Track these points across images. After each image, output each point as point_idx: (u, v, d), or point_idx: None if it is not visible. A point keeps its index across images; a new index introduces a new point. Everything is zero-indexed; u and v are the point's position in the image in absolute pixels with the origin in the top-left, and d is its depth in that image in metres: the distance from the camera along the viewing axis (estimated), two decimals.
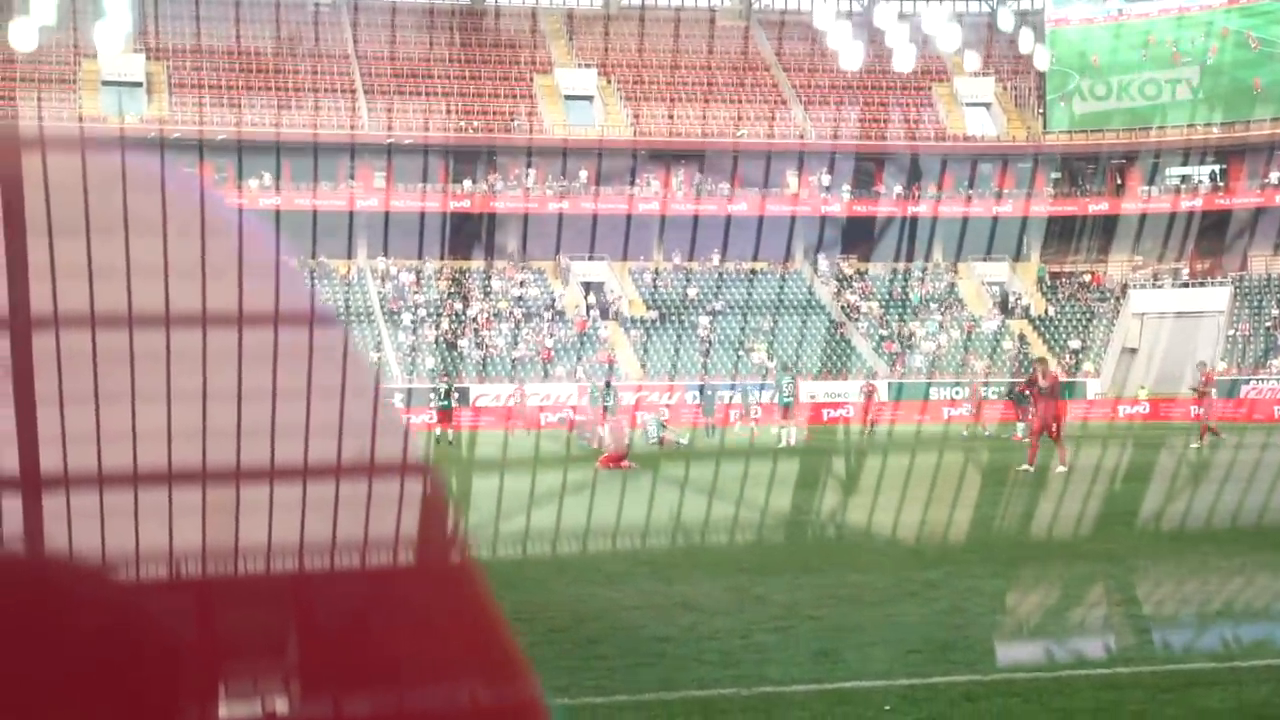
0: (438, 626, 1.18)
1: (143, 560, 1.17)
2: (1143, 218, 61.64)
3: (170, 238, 1.24)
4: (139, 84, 58.77)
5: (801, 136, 62.65)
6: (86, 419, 1.16)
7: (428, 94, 61.31)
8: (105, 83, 58.03)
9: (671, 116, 62.08)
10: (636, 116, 62.71)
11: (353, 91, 60.99)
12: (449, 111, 60.38)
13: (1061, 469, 22.63)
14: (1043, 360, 31.90)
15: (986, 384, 49.74)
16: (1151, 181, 63.45)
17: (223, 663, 1.13)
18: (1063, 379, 37.61)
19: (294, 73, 60.36)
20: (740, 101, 63.65)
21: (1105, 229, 63.46)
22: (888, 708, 7.20)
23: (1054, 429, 23.83)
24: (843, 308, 60.53)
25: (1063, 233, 63.74)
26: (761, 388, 48.46)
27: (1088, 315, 61.32)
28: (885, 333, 59.42)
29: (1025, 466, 23.10)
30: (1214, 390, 33.55)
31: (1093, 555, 13.10)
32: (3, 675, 1.05)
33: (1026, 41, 64.75)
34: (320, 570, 1.19)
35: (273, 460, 1.19)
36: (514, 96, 62.87)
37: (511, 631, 1.13)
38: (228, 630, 1.16)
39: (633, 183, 61.50)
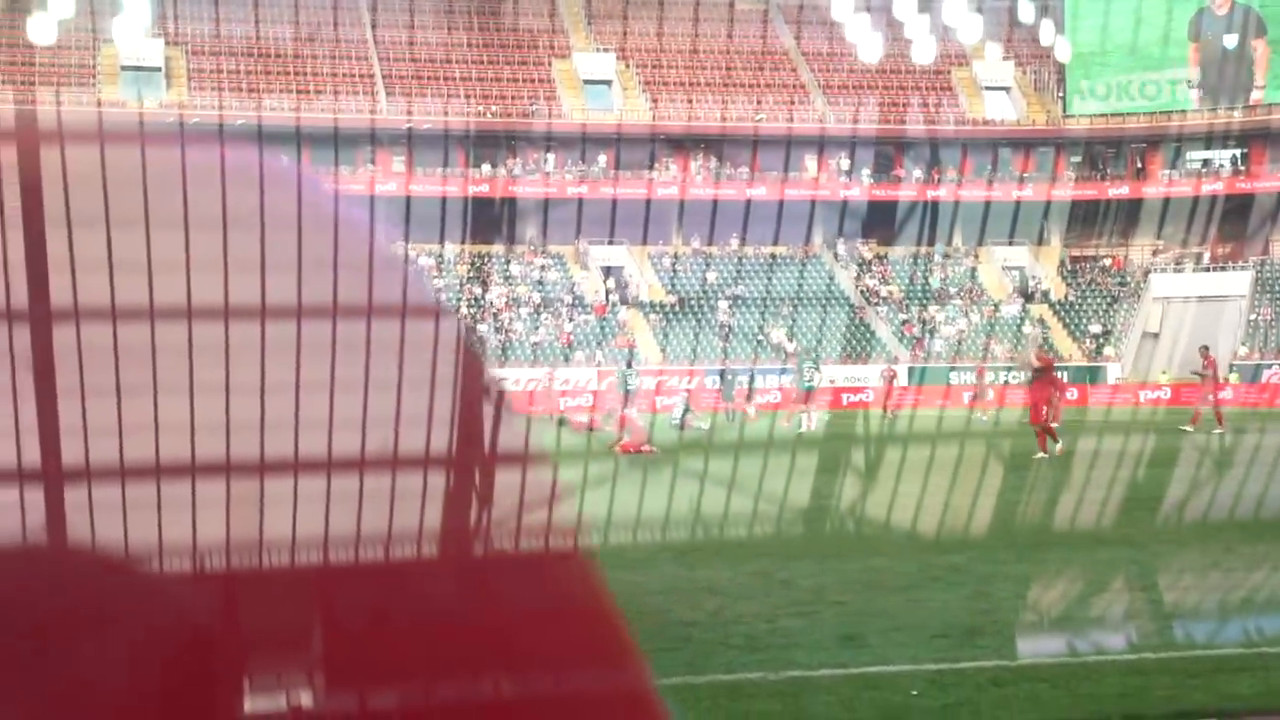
0: (552, 616, 1.19)
1: (250, 549, 1.19)
2: (1166, 202, 61.37)
3: (279, 229, 1.26)
4: (158, 69, 58.88)
5: (821, 121, 62.50)
6: (216, 409, 1.18)
7: (445, 79, 61.30)
8: (124, 68, 58.15)
9: (690, 101, 61.96)
10: (655, 101, 62.61)
11: (371, 77, 60.98)
12: (467, 96, 60.37)
13: (1058, 450, 22.73)
14: (1037, 344, 31.84)
15: (1008, 369, 49.59)
16: (1173, 166, 63.16)
17: (339, 650, 1.14)
18: (1057, 363, 37.42)
19: (312, 57, 60.40)
20: (759, 86, 63.51)
21: (1126, 213, 63.17)
22: (915, 692, 7.22)
23: (1045, 413, 23.91)
24: (862, 292, 60.44)
25: (1083, 217, 63.50)
26: (782, 372, 48.42)
27: (1108, 300, 61.13)
28: (905, 317, 59.32)
29: (1040, 454, 23.09)
30: (1230, 374, 33.29)
31: (1113, 541, 13.10)
32: (39, 664, 1.05)
33: (1047, 33, 64.37)
34: (437, 559, 1.21)
35: (356, 451, 1.20)
36: (533, 81, 62.82)
37: (625, 621, 1.15)
38: (343, 619, 1.17)
39: (652, 167, 61.43)
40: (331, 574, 1.20)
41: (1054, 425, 23.83)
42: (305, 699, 1.12)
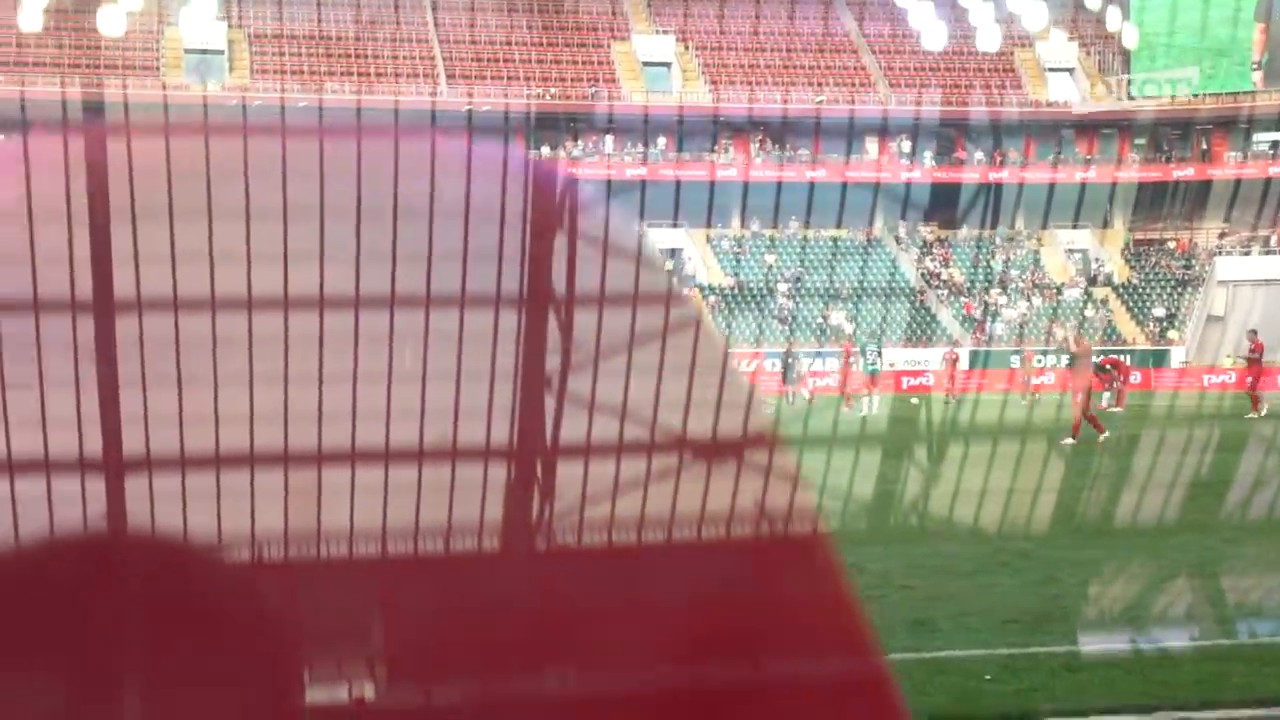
0: (790, 597, 1.22)
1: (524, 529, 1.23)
2: (1236, 184, 60.58)
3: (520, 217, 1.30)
4: (221, 52, 59.31)
5: (881, 103, 62.08)
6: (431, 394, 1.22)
7: (505, 60, 61.36)
8: (188, 51, 58.60)
9: (751, 83, 61.70)
10: (715, 84, 62.43)
11: (431, 59, 61.16)
12: (527, 79, 60.42)
13: (1070, 441, 22.59)
14: (1075, 329, 31.73)
15: (1076, 353, 49.11)
16: (1240, 148, 62.30)
17: (582, 633, 1.18)
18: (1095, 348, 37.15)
19: (372, 39, 60.61)
20: (820, 68, 63.19)
21: (1191, 196, 62.40)
22: (988, 677, 7.22)
23: (1080, 398, 23.93)
24: (923, 275, 60.09)
25: (1148, 200, 62.77)
26: (847, 356, 48.25)
27: (1173, 283, 60.48)
28: (967, 299, 58.96)
29: (1102, 436, 23.00)
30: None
31: (1181, 528, 13.01)
32: (99, 654, 1.07)
33: (1114, 19, 63.46)
34: (672, 543, 1.24)
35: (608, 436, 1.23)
36: (592, 64, 62.78)
37: (861, 603, 1.18)
38: (594, 600, 1.21)
39: (712, 150, 61.28)
40: (587, 556, 1.24)
41: (1118, 409, 23.76)
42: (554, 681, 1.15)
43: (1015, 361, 51.36)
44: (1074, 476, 18.33)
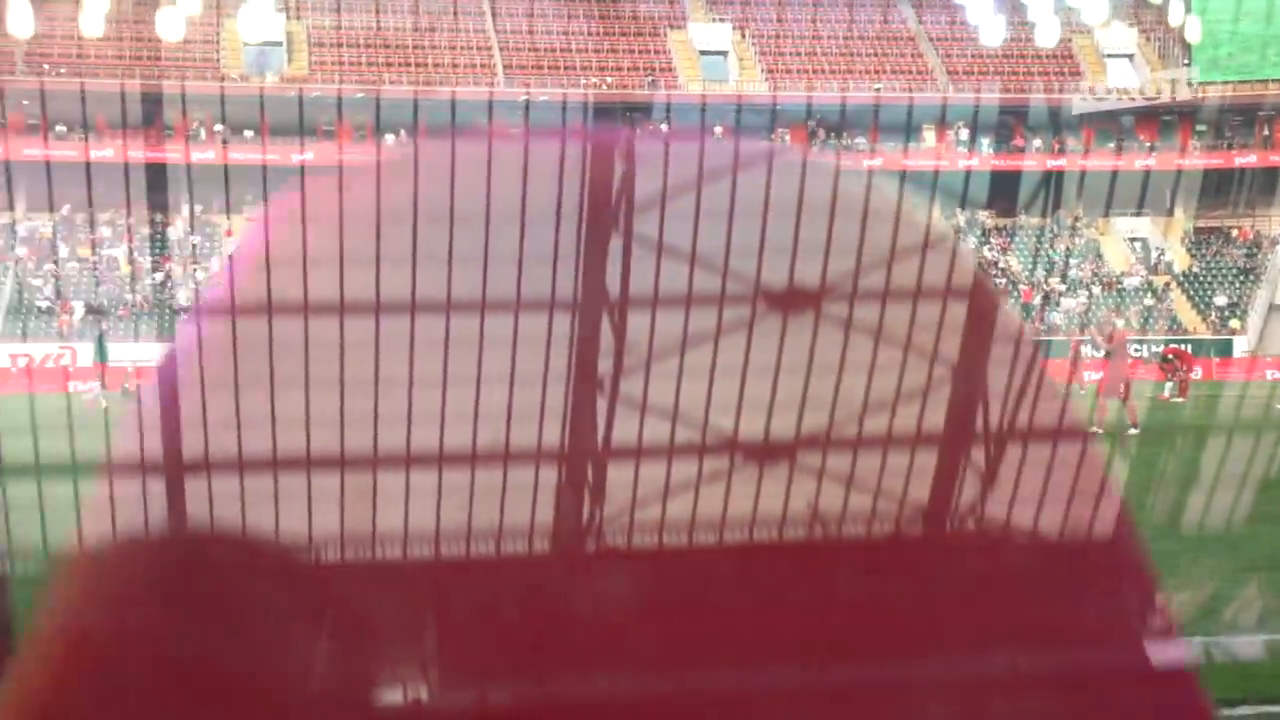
0: (1094, 590, 1.22)
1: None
2: None
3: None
4: (279, 44, 59.61)
5: (939, 90, 61.68)
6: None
7: (561, 50, 61.39)
8: (247, 44, 58.94)
9: (808, 72, 61.47)
10: (772, 72, 62.23)
11: (489, 48, 61.25)
12: (583, 68, 60.44)
13: (1133, 431, 22.36)
14: (1110, 320, 31.47)
15: (1110, 347, 48.60)
16: None
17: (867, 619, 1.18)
18: (1130, 338, 36.72)
19: (430, 29, 60.76)
20: (878, 56, 62.86)
21: (1256, 183, 61.62)
22: None
23: (1123, 390, 23.70)
24: (980, 264, 59.58)
25: (1210, 188, 62.02)
26: None
27: (1235, 272, 59.80)
28: (1026, 286, 58.55)
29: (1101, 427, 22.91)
30: None
31: (1254, 518, 12.87)
32: (167, 652, 1.09)
33: (1176, 14, 62.57)
34: (983, 534, 1.25)
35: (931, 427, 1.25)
36: (649, 53, 62.71)
37: (1164, 597, 1.19)
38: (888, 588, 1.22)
39: (769, 139, 61.00)
40: (888, 546, 1.25)
41: (1181, 399, 23.47)
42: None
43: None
44: (1141, 468, 18.17)
